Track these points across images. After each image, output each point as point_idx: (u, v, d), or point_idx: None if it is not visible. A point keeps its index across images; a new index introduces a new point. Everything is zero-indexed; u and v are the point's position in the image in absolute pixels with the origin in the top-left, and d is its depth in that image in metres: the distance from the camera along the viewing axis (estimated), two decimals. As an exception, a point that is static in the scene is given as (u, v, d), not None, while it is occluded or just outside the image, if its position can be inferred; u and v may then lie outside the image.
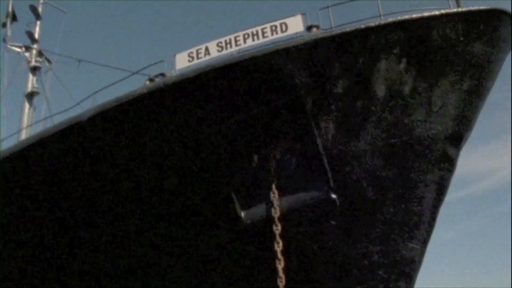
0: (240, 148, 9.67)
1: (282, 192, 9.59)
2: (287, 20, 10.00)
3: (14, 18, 21.83)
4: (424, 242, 9.30)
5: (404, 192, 9.15)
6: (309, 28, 9.48)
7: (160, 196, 9.87)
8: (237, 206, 9.73)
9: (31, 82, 20.65)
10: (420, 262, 9.36)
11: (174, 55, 10.68)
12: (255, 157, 9.84)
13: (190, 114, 9.32)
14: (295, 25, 9.85)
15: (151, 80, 10.05)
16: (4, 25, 21.46)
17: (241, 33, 10.21)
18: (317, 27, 9.42)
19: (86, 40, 59.20)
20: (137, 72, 11.05)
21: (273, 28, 10.04)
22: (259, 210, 9.67)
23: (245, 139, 9.62)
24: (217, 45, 10.32)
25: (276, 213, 9.39)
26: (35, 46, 21.40)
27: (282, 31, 9.95)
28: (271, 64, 8.82)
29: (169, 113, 9.38)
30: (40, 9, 21.95)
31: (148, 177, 9.77)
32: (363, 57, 8.68)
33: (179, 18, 69.55)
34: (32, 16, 21.65)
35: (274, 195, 9.51)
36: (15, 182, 10.68)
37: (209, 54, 10.33)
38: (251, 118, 9.42)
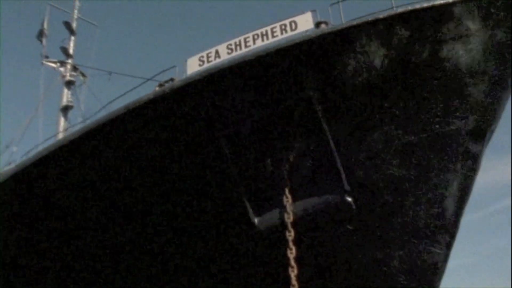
0: (252, 152, 9.37)
1: (296, 197, 9.23)
2: (297, 18, 9.64)
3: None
4: (448, 247, 8.67)
5: (423, 193, 8.58)
6: (317, 25, 9.09)
7: (170, 203, 9.70)
8: (250, 212, 9.42)
9: (66, 95, 21.10)
10: (443, 268, 8.72)
11: (186, 60, 10.53)
12: (268, 161, 9.51)
13: (197, 118, 9.12)
14: (305, 23, 9.47)
15: (161, 85, 9.92)
16: (40, 40, 22.00)
17: (250, 34, 9.92)
18: (326, 23, 9.02)
19: (115, 50, 60.65)
20: (150, 79, 10.96)
21: (283, 27, 9.71)
22: (273, 216, 9.32)
23: (256, 142, 9.32)
24: (227, 47, 10.07)
25: (289, 218, 9.02)
26: (69, 61, 21.89)
27: (292, 30, 9.59)
28: (276, 64, 8.51)
29: (176, 118, 9.21)
30: (74, 25, 22.44)
31: (156, 183, 9.61)
32: (373, 51, 8.22)
33: (206, 24, 70.23)
34: (66, 32, 22.15)
35: (287, 200, 9.15)
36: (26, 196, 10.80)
37: (219, 57, 10.09)
38: (261, 121, 9.12)
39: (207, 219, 9.64)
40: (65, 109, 20.75)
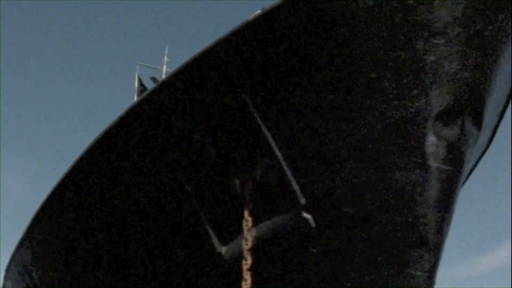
0: (210, 173, 8.43)
1: (259, 219, 8.00)
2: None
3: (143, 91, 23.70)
4: (431, 267, 6.59)
5: (388, 199, 6.74)
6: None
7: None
8: (215, 241, 8.39)
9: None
10: None
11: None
12: (236, 182, 8.45)
13: (149, 143, 8.54)
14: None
15: None
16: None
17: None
18: None
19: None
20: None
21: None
22: (238, 243, 8.16)
23: (215, 160, 8.37)
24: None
25: (247, 244, 7.80)
26: (159, 113, 22.83)
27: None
28: (205, 69, 7.63)
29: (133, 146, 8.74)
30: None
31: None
32: (303, 30, 6.89)
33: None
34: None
35: (247, 224, 7.95)
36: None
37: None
38: (213, 137, 8.19)
39: (171, 251, 8.83)
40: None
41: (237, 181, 8.40)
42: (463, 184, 10.19)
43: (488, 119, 7.93)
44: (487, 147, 9.22)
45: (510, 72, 7.38)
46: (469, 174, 9.95)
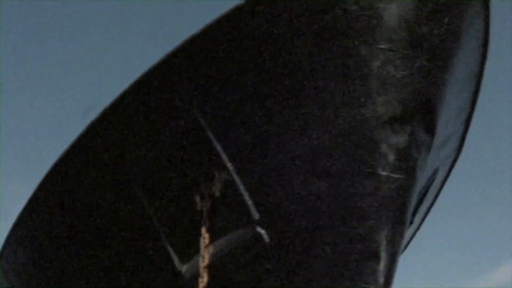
0: (169, 189, 8.24)
1: (217, 235, 7.79)
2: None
3: None
4: (385, 281, 6.31)
5: (339, 211, 6.50)
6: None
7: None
8: (176, 260, 8.19)
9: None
10: None
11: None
12: (197, 198, 8.26)
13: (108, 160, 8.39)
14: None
15: None
16: None
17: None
18: None
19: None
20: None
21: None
22: (196, 261, 7.94)
23: (172, 177, 8.20)
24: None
25: (203, 262, 7.58)
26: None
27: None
28: (153, 88, 7.48)
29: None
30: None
31: None
32: (247, 41, 6.74)
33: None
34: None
35: (204, 240, 7.73)
36: None
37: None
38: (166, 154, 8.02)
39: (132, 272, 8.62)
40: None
41: (197, 197, 8.22)
42: (439, 192, 9.97)
43: (451, 127, 7.72)
44: (457, 156, 8.97)
45: (468, 77, 7.19)
46: (443, 183, 9.72)
